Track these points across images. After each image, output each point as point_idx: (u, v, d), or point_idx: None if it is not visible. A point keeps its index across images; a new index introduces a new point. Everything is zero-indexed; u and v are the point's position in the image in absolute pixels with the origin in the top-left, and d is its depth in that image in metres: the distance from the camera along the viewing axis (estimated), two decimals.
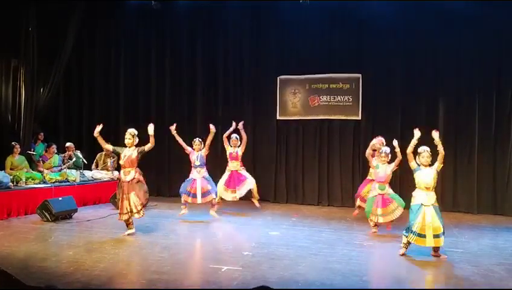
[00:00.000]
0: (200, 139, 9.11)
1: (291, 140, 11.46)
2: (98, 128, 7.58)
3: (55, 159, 10.76)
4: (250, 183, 9.59)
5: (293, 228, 8.50)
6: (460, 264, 6.18)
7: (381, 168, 7.90)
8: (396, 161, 7.70)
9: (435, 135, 6.55)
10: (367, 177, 9.16)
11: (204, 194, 8.88)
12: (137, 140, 7.55)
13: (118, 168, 11.02)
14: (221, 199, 9.60)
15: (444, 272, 5.99)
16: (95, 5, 11.86)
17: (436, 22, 10.41)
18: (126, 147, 7.54)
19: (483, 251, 6.85)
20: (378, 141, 8.93)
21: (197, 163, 9.00)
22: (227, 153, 9.70)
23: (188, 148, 9.14)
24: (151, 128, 7.47)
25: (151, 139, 7.51)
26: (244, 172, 9.70)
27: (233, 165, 9.66)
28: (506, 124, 10.15)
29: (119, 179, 7.60)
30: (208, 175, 9.08)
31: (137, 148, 7.50)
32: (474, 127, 10.30)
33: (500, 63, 10.17)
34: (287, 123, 11.60)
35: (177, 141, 9.12)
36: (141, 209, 7.39)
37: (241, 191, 9.54)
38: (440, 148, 6.50)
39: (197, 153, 9.06)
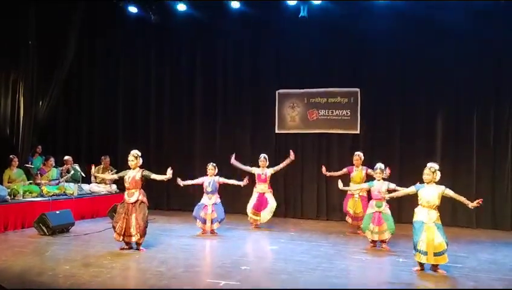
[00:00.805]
0: (214, 164, 8.98)
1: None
2: (93, 170, 8.32)
3: (53, 173, 10.73)
4: (269, 210, 9.50)
5: (291, 242, 8.46)
6: (460, 279, 6.15)
7: (376, 185, 7.88)
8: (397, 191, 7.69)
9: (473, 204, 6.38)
10: (348, 193, 9.37)
11: (212, 220, 8.75)
12: (141, 161, 7.57)
13: (116, 182, 11.07)
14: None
15: (443, 287, 5.95)
16: (94, 16, 11.93)
17: (434, 35, 10.48)
18: (130, 168, 7.55)
19: (482, 266, 6.82)
20: (356, 156, 9.16)
21: (209, 189, 8.81)
22: (255, 175, 9.56)
23: (200, 181, 8.94)
24: (169, 173, 7.49)
25: (165, 177, 7.53)
26: (270, 196, 9.55)
27: (261, 188, 9.55)
28: (504, 139, 10.17)
29: (123, 199, 7.60)
30: (219, 201, 8.88)
31: (141, 170, 7.53)
32: (473, 141, 10.31)
33: (498, 76, 10.21)
34: (286, 137, 11.61)
35: (192, 184, 9.02)
36: (137, 233, 7.35)
37: (263, 216, 9.51)
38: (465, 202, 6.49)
39: (209, 178, 8.88)
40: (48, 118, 11.70)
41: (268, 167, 9.65)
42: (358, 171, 9.27)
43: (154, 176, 7.59)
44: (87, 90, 12.94)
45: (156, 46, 12.44)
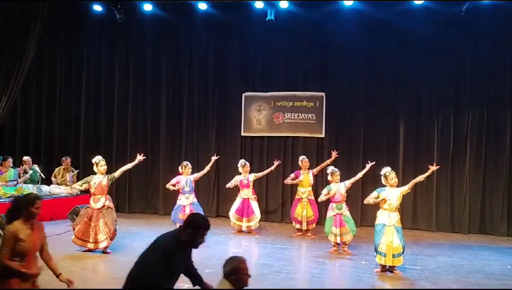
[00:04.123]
0: (188, 162, 8.94)
1: (255, 157, 11.44)
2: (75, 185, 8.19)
3: (10, 173, 10.35)
4: (255, 220, 9.43)
5: (255, 245, 8.45)
6: (420, 281, 6.29)
7: (334, 189, 7.99)
8: (353, 179, 7.96)
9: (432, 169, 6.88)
10: (295, 197, 9.55)
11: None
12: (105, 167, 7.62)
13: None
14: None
15: (402, 287, 6.07)
16: (56, 14, 11.61)
17: (398, 43, 10.70)
18: (96, 174, 7.57)
19: (441, 269, 6.99)
20: (303, 159, 9.32)
21: (187, 189, 8.72)
22: (238, 181, 9.49)
23: (174, 181, 8.84)
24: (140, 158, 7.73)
25: (130, 165, 7.72)
26: (254, 204, 9.47)
27: (245, 193, 9.47)
28: (463, 147, 10.44)
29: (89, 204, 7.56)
30: (196, 201, 8.80)
31: (107, 176, 7.53)
32: (433, 147, 10.55)
33: (458, 86, 10.50)
34: (252, 140, 11.60)
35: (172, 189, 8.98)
36: (107, 238, 7.27)
37: (253, 223, 9.45)
38: (422, 178, 6.74)
39: (185, 177, 8.76)
40: (6, 118, 11.29)
41: (250, 172, 9.65)
42: (305, 175, 9.41)
43: (119, 172, 7.63)
44: (48, 89, 12.55)
45: (121, 46, 12.19)
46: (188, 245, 3.80)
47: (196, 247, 3.84)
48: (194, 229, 3.74)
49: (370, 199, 6.82)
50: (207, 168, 9.15)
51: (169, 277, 3.76)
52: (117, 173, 7.60)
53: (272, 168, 9.78)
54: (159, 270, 3.62)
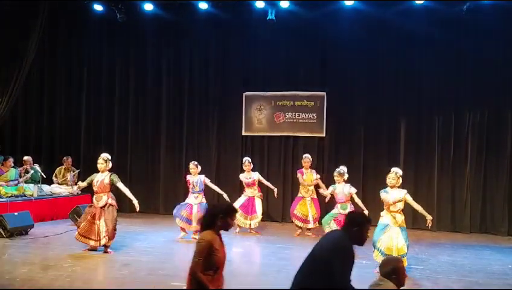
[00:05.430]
0: (196, 162, 8.94)
1: (256, 156, 11.42)
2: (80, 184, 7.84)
3: (11, 173, 10.35)
4: (256, 219, 9.38)
5: (256, 245, 8.45)
6: (421, 281, 6.29)
7: (338, 189, 7.99)
8: (357, 199, 8.13)
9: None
10: (298, 195, 9.50)
11: (198, 221, 8.66)
12: (110, 165, 7.53)
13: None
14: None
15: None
16: (56, 14, 11.59)
17: (399, 43, 10.70)
18: (98, 172, 7.50)
19: (442, 268, 7.00)
20: (305, 158, 9.27)
21: (197, 188, 8.72)
22: (243, 181, 9.49)
23: (188, 180, 8.86)
24: (137, 205, 7.62)
25: (132, 198, 7.61)
26: (258, 202, 9.41)
27: (250, 191, 9.45)
28: (464, 146, 10.45)
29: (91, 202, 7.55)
30: (205, 202, 8.77)
31: (110, 174, 7.47)
32: (434, 146, 10.56)
33: (459, 86, 10.49)
34: (252, 139, 11.60)
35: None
36: (105, 236, 7.25)
37: (254, 222, 9.39)
38: (421, 211, 6.82)
39: (195, 177, 8.77)
40: (7, 117, 11.29)
41: (253, 170, 9.60)
42: (308, 174, 9.39)
43: (120, 186, 7.50)
44: (48, 89, 12.55)
45: (121, 46, 12.19)
46: (356, 243, 3.85)
47: (363, 243, 3.89)
48: (360, 226, 3.82)
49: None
50: (218, 189, 9.00)
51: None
52: (120, 185, 7.52)
53: (272, 187, 9.62)
54: (349, 274, 3.74)
